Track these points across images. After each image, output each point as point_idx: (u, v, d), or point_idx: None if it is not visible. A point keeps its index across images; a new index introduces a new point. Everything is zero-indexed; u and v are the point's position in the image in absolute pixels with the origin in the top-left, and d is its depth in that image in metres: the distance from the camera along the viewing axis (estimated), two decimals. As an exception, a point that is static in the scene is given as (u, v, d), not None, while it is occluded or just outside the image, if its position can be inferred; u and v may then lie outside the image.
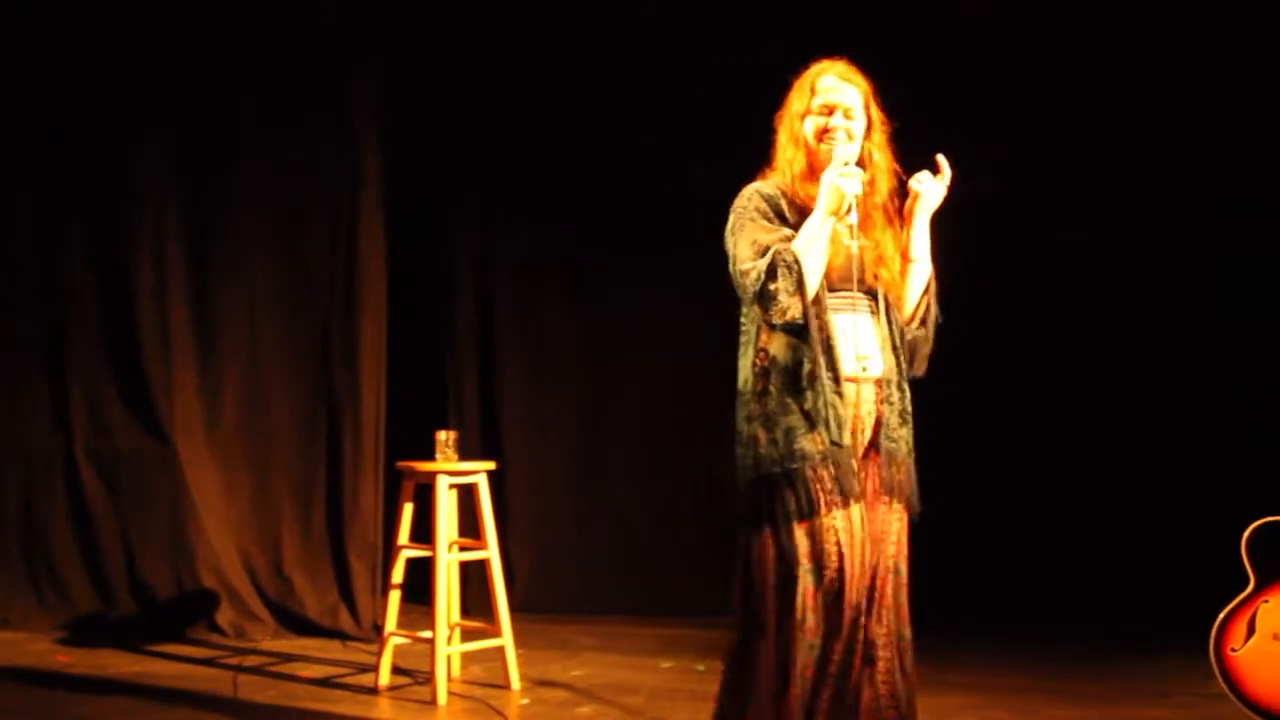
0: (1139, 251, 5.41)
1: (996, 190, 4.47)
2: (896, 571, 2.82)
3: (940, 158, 2.88)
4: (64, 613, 5.17)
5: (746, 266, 2.78)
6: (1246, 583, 3.63)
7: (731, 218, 2.91)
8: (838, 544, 2.71)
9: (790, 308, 2.74)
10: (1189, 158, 5.36)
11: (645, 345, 5.77)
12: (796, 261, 2.74)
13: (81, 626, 5.11)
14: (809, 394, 2.74)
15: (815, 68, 2.94)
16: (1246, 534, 3.63)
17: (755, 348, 2.85)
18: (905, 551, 2.85)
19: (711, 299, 5.60)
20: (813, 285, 2.76)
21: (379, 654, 4.36)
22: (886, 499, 2.83)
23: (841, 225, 2.80)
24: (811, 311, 2.75)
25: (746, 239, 2.82)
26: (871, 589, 2.76)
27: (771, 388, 2.79)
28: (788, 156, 2.92)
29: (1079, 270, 5.48)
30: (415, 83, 5.70)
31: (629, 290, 5.77)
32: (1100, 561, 5.36)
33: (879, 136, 2.93)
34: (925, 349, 2.95)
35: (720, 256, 2.93)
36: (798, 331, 2.77)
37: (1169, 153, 5.40)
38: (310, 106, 5.34)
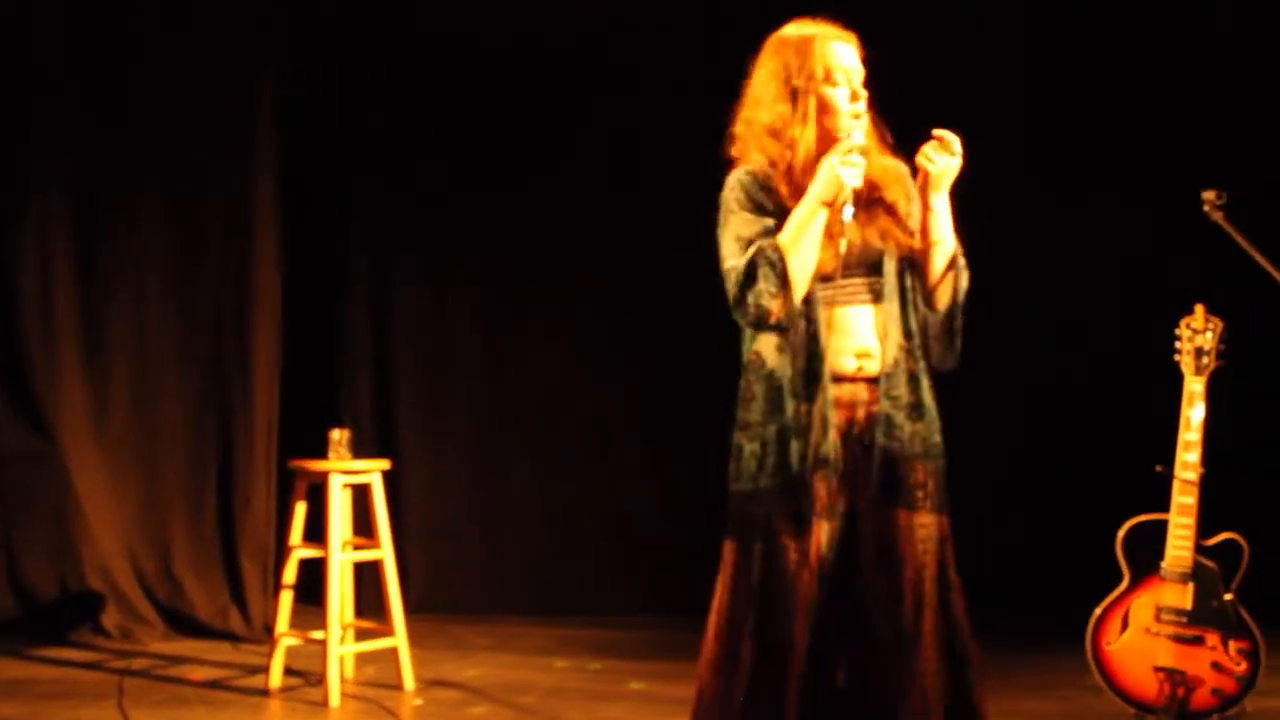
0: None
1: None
2: (919, 589, 2.49)
3: (940, 131, 2.54)
4: (-60, 616, 5.02)
5: (729, 265, 2.50)
6: (1121, 579, 3.76)
7: (720, 210, 2.59)
8: (787, 569, 2.48)
9: (773, 310, 2.46)
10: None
11: (544, 344, 5.78)
12: (781, 259, 2.45)
13: (-41, 631, 4.97)
14: (795, 401, 2.49)
15: (811, 28, 2.57)
16: (1121, 532, 3.76)
17: (749, 349, 2.58)
18: (933, 569, 2.51)
19: (611, 298, 5.71)
20: (802, 282, 2.47)
21: (270, 655, 4.32)
22: (895, 505, 2.52)
23: (839, 216, 2.48)
24: (798, 311, 2.48)
25: (731, 234, 2.52)
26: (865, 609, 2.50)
27: (757, 393, 2.54)
28: (794, 134, 2.54)
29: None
30: (315, 78, 5.64)
31: (528, 288, 5.77)
32: (982, 559, 5.49)
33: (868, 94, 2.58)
34: (951, 335, 2.60)
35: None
36: (812, 329, 2.50)
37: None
38: (205, 102, 5.24)
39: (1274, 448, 4.85)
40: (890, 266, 2.57)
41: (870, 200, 2.57)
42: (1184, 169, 4.61)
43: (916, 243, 2.58)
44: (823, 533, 2.49)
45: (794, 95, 2.54)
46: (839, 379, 2.52)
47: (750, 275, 2.46)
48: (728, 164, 2.64)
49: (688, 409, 5.62)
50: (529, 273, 5.76)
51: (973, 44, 5.43)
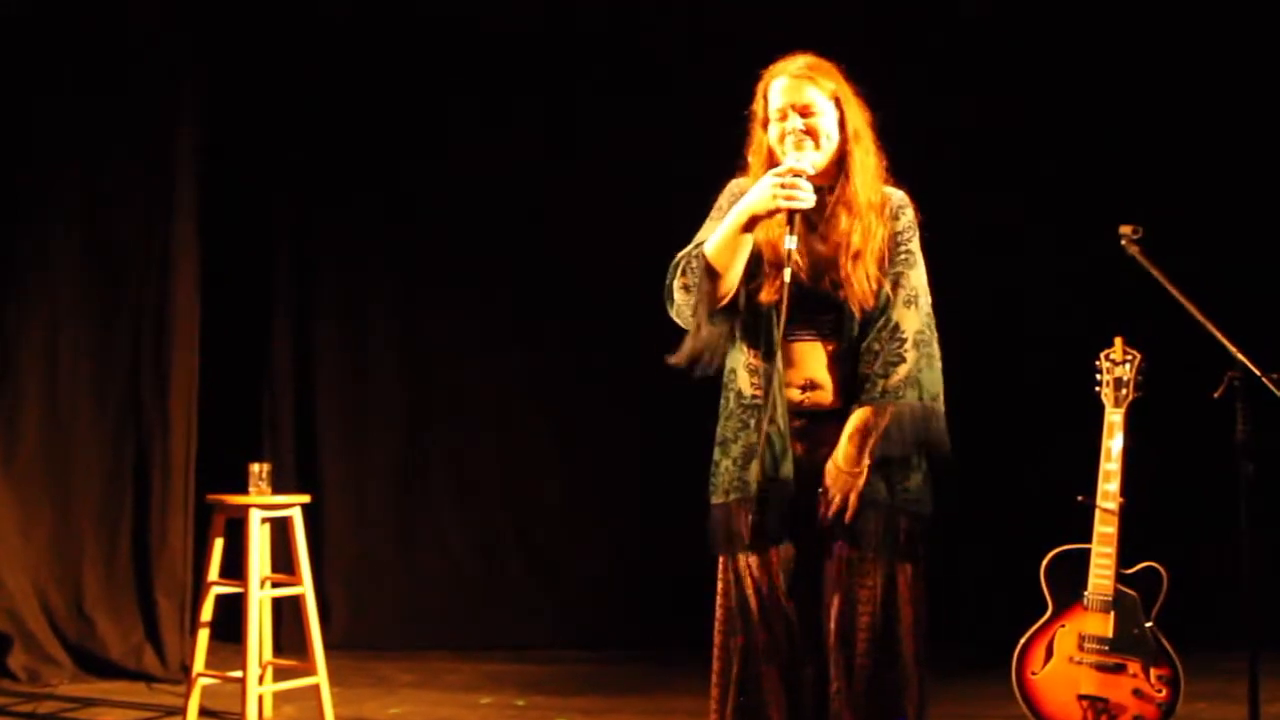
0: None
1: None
2: (871, 638, 2.54)
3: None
4: None
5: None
6: (1045, 608, 3.79)
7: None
8: (751, 586, 2.56)
9: (683, 310, 2.57)
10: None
11: (467, 379, 5.75)
12: (698, 259, 2.53)
13: None
14: (757, 423, 2.54)
15: (773, 68, 2.64)
16: (1044, 562, 3.80)
17: (727, 367, 2.63)
18: (879, 611, 2.54)
19: (534, 336, 5.68)
20: (717, 286, 2.51)
21: (186, 696, 4.21)
22: (847, 548, 2.54)
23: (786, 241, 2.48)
24: (721, 334, 2.56)
25: (698, 235, 2.62)
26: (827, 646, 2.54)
27: (732, 410, 2.61)
28: (755, 172, 2.63)
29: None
30: (238, 110, 5.57)
31: (451, 324, 5.74)
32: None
33: (857, 128, 2.60)
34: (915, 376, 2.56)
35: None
36: (768, 354, 2.54)
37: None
38: (121, 136, 5.15)
39: (1191, 476, 4.93)
40: (847, 312, 2.57)
41: (833, 247, 2.58)
42: (1102, 203, 4.70)
43: (870, 303, 2.56)
44: (778, 555, 2.56)
45: (755, 137, 2.68)
46: (794, 409, 2.57)
47: (676, 268, 2.60)
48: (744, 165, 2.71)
49: (611, 445, 5.62)
50: (452, 308, 5.74)
51: (891, 75, 5.49)
